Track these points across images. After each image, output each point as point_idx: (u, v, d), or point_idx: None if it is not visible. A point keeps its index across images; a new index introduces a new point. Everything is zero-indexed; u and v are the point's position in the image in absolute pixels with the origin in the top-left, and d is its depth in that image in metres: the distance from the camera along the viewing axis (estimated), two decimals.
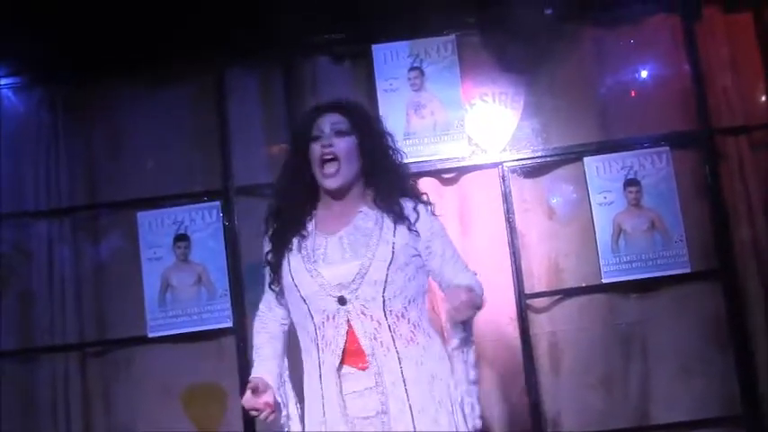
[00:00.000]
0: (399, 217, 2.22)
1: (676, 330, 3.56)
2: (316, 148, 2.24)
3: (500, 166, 3.63)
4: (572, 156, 3.66)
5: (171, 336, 3.61)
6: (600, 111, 3.71)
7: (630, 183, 3.61)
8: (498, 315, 3.61)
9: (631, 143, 3.65)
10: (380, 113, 3.61)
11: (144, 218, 3.66)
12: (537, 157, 3.66)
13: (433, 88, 3.68)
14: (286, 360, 2.33)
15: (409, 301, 2.19)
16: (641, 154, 3.62)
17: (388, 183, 2.26)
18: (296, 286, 2.18)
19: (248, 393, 2.20)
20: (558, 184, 3.70)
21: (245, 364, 3.53)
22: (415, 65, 3.70)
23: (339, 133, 2.24)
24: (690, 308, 3.57)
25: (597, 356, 3.59)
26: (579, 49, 3.74)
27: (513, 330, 3.56)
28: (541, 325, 3.60)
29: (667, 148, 3.62)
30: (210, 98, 3.74)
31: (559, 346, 3.60)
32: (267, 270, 2.30)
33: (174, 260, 3.64)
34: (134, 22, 3.49)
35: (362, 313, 2.14)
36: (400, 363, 2.13)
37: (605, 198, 3.60)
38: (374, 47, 3.71)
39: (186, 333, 3.60)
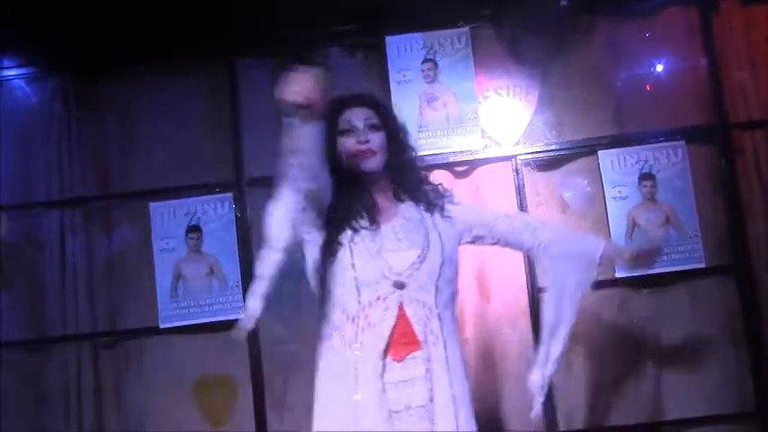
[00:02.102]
0: (431, 205, 2.27)
1: (690, 326, 3.54)
2: (348, 143, 2.22)
3: (513, 160, 3.61)
4: (586, 149, 3.63)
5: (182, 327, 3.61)
6: (615, 104, 3.68)
7: (645, 177, 3.58)
8: (511, 308, 3.59)
9: (646, 137, 3.61)
10: (393, 105, 3.64)
11: (156, 209, 3.66)
12: (551, 151, 3.64)
13: (447, 80, 3.66)
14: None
15: (453, 294, 2.23)
16: (656, 148, 3.59)
17: (410, 177, 2.30)
18: (353, 266, 2.14)
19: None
20: (572, 178, 3.67)
21: (256, 356, 3.54)
22: (429, 57, 3.68)
23: (372, 128, 2.24)
24: (704, 303, 3.55)
25: (610, 351, 3.57)
26: (594, 41, 3.71)
27: (525, 324, 3.55)
28: None
29: (683, 142, 3.59)
30: (223, 89, 3.73)
31: (572, 341, 3.56)
32: (321, 231, 2.19)
33: (187, 251, 3.64)
34: (146, 14, 3.48)
35: (416, 299, 2.13)
36: (446, 350, 2.13)
37: (620, 192, 3.58)
38: (387, 38, 3.69)
39: (198, 324, 3.60)
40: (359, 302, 2.13)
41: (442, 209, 2.28)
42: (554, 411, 3.48)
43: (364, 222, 2.19)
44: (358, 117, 2.24)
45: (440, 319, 2.15)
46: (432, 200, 2.29)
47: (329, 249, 2.18)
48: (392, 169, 2.28)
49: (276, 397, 3.55)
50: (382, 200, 2.27)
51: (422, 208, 2.26)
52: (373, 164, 2.23)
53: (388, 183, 2.30)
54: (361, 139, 2.21)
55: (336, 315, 2.17)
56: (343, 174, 2.23)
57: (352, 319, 2.13)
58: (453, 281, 2.23)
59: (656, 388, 3.53)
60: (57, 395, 3.63)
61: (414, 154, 2.35)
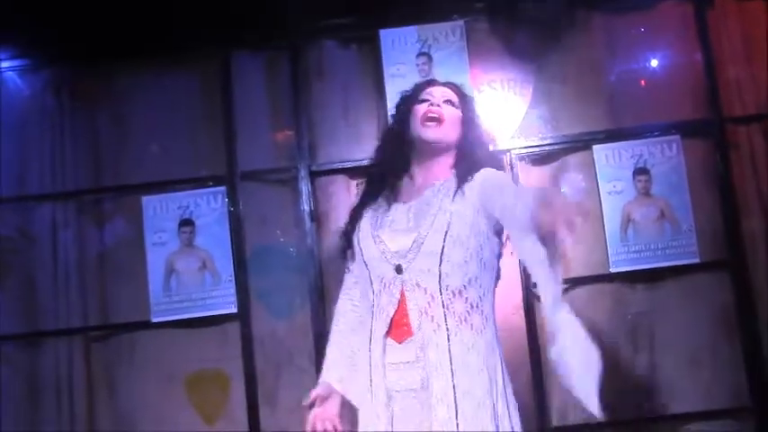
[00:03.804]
0: (463, 183, 2.18)
1: (684, 321, 3.53)
2: (421, 108, 2.25)
3: (508, 154, 3.58)
4: (581, 144, 3.62)
5: (175, 321, 3.60)
6: (609, 98, 3.67)
7: (640, 171, 3.57)
8: (504, 304, 3.56)
9: (641, 131, 3.61)
10: (387, 99, 3.61)
11: (149, 202, 3.65)
12: (545, 145, 3.62)
13: (441, 74, 3.61)
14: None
15: (470, 280, 2.10)
16: (651, 142, 3.59)
17: (472, 161, 2.23)
18: (360, 250, 2.19)
19: (313, 410, 2.21)
20: (567, 173, 3.66)
21: (249, 351, 3.53)
22: (423, 50, 3.67)
23: (448, 102, 2.27)
24: (698, 298, 3.54)
25: (604, 346, 3.54)
26: (589, 35, 3.71)
27: (518, 320, 3.53)
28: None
29: (678, 136, 3.58)
30: (216, 82, 3.72)
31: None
32: (341, 240, 2.30)
33: (179, 245, 3.63)
34: (140, 6, 3.47)
35: (417, 285, 2.09)
36: (449, 341, 2.06)
37: (614, 187, 3.57)
38: (382, 32, 3.68)
39: (190, 318, 3.59)
40: (373, 291, 2.16)
41: (462, 188, 2.17)
42: (547, 407, 3.47)
43: (372, 207, 2.24)
44: (437, 91, 2.30)
45: (445, 306, 2.07)
46: (466, 178, 2.18)
47: (346, 234, 2.27)
48: (459, 154, 2.25)
49: (268, 392, 3.53)
50: (423, 175, 2.25)
51: (455, 188, 2.17)
52: (434, 133, 2.22)
53: (450, 161, 2.26)
54: (435, 102, 2.25)
55: (365, 309, 2.21)
56: (403, 144, 2.27)
57: (371, 309, 2.16)
58: (466, 266, 2.09)
59: (650, 383, 3.52)
60: (49, 389, 3.62)
61: (483, 142, 2.30)
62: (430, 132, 2.22)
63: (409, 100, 2.33)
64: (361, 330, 2.22)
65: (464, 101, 2.31)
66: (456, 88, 2.34)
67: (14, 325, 3.66)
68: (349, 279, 2.34)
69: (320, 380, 2.25)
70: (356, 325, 2.26)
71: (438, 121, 2.23)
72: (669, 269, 3.53)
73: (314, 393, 2.23)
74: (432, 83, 2.37)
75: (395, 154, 2.29)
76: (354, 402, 2.21)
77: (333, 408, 2.22)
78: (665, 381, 3.51)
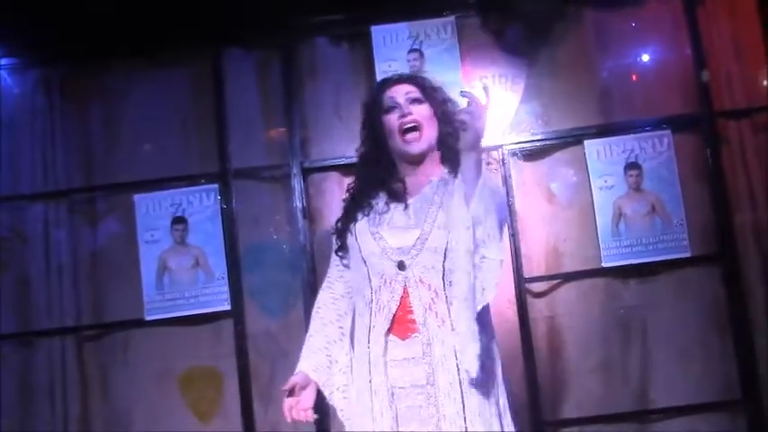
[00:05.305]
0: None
1: (676, 315, 3.54)
2: (392, 119, 2.25)
3: (500, 149, 3.60)
4: (572, 139, 3.63)
5: (168, 319, 3.59)
6: (601, 93, 3.68)
7: (631, 166, 3.58)
8: (497, 299, 3.51)
9: (632, 126, 3.62)
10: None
11: (141, 200, 3.64)
12: (537, 140, 3.63)
13: (433, 70, 3.60)
14: (347, 342, 2.29)
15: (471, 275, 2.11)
16: (642, 137, 3.60)
17: (456, 149, 2.20)
18: (359, 246, 2.19)
19: (287, 398, 2.24)
20: (558, 168, 3.67)
21: (242, 348, 3.53)
22: (415, 47, 3.67)
23: (414, 101, 2.25)
24: (690, 292, 3.55)
25: (596, 341, 3.57)
26: (580, 30, 3.71)
27: (511, 314, 3.54)
28: (540, 309, 3.58)
29: (668, 131, 3.60)
30: (208, 80, 3.71)
31: (558, 331, 3.58)
32: (334, 237, 2.32)
33: (172, 243, 3.62)
34: (132, 5, 3.46)
35: (420, 281, 2.12)
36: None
37: (606, 182, 3.58)
38: (373, 28, 3.67)
39: (183, 316, 3.58)
40: (371, 288, 2.16)
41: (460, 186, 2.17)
42: (539, 399, 3.48)
43: (366, 206, 2.24)
44: (399, 93, 2.27)
45: (448, 302, 2.09)
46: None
47: (338, 231, 2.28)
48: (440, 142, 2.27)
49: (262, 389, 3.54)
50: (414, 176, 2.26)
51: (453, 185, 2.17)
52: (418, 147, 2.24)
53: (437, 157, 2.28)
54: (404, 112, 2.24)
55: (360, 306, 2.22)
56: (385, 153, 2.27)
57: (368, 306, 2.17)
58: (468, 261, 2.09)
59: (642, 377, 3.54)
60: (42, 388, 3.61)
61: (459, 120, 2.25)
62: (414, 147, 2.24)
63: (374, 111, 2.30)
64: (337, 323, 2.28)
65: (426, 91, 2.29)
66: (413, 80, 2.32)
67: (7, 324, 3.65)
68: (334, 272, 2.35)
69: (297, 369, 2.28)
70: (333, 318, 2.30)
71: (417, 129, 2.23)
72: (661, 263, 3.55)
73: (292, 381, 2.26)
74: (388, 84, 2.32)
75: (379, 169, 2.28)
76: (342, 399, 2.25)
77: (308, 398, 2.25)
78: (656, 374, 3.52)
